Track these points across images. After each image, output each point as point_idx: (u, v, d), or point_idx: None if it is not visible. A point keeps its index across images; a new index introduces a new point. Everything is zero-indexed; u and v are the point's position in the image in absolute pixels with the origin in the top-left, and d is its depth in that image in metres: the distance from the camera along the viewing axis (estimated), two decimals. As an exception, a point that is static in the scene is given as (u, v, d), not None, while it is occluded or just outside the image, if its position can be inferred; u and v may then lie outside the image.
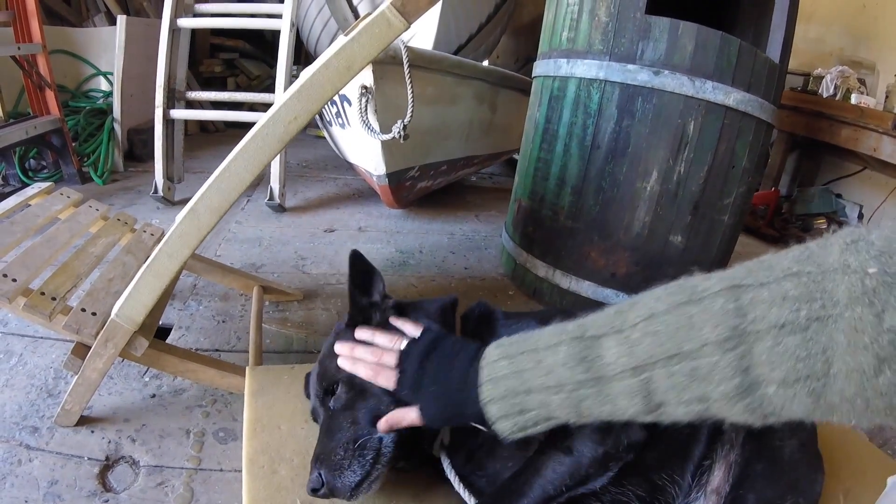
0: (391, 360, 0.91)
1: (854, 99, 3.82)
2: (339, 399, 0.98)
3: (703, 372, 0.60)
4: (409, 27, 1.30)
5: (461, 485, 0.97)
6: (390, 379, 0.90)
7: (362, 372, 0.94)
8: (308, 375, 1.17)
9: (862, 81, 4.09)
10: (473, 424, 0.87)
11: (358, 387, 0.97)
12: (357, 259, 1.09)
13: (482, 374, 0.79)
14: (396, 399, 0.93)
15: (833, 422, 0.56)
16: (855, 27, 4.44)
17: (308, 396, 1.15)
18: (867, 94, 3.95)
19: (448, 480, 0.99)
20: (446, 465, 0.99)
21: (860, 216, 4.20)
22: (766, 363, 0.56)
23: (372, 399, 0.96)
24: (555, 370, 0.72)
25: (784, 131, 4.31)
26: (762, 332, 0.56)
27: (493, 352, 0.81)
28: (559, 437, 0.87)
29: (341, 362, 0.97)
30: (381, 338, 0.96)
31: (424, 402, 0.87)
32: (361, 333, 0.99)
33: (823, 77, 4.10)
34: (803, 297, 0.54)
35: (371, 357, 0.94)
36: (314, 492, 0.90)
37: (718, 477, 0.92)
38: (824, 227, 4.02)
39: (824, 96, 4.05)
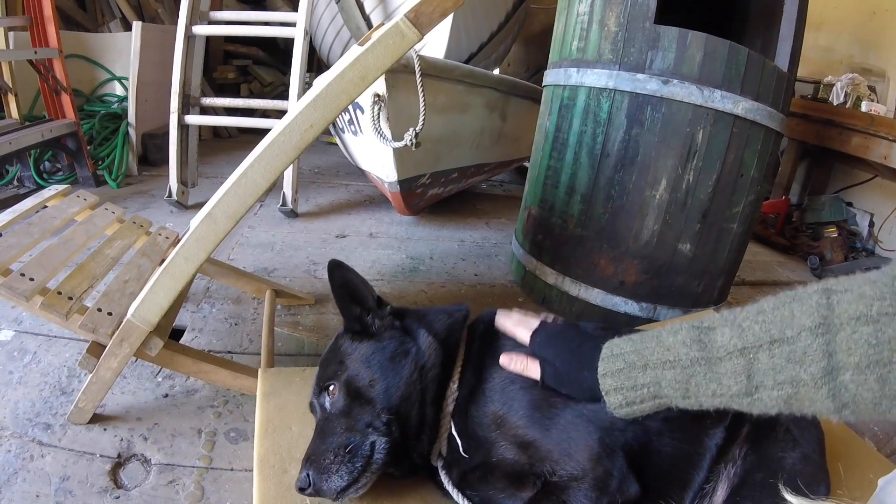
0: (535, 323, 1.03)
1: (864, 107, 3.82)
2: (336, 403, 1.00)
3: (798, 355, 0.72)
4: (422, 38, 1.33)
5: (460, 495, 0.99)
6: (526, 335, 1.02)
7: (509, 324, 1.06)
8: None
9: (872, 89, 4.08)
10: (454, 433, 0.98)
11: (354, 392, 0.99)
12: (337, 268, 1.07)
13: (604, 351, 0.91)
14: (391, 411, 0.97)
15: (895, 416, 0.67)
16: (864, 35, 4.43)
17: None
18: (877, 102, 3.95)
19: (441, 490, 1.03)
20: (443, 475, 1.01)
21: (871, 224, 4.19)
22: (845, 350, 0.68)
23: (367, 406, 0.98)
24: (673, 347, 0.83)
25: (794, 139, 4.31)
26: (843, 323, 0.68)
27: (616, 339, 0.92)
28: (556, 489, 0.91)
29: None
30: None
31: (548, 364, 0.97)
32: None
33: (833, 85, 4.10)
34: (875, 296, 0.67)
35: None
36: (301, 490, 0.92)
37: (721, 496, 0.93)
38: (835, 235, 4.00)
39: (834, 104, 4.04)
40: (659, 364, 0.83)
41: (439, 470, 1.02)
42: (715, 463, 0.95)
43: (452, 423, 1.01)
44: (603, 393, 0.88)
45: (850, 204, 4.32)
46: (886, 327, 0.65)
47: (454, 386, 1.03)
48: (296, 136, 1.29)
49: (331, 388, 1.02)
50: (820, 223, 4.25)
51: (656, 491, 0.93)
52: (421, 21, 1.31)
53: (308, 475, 0.92)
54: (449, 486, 1.00)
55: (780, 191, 4.48)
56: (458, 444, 1.00)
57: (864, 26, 4.42)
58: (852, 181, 4.35)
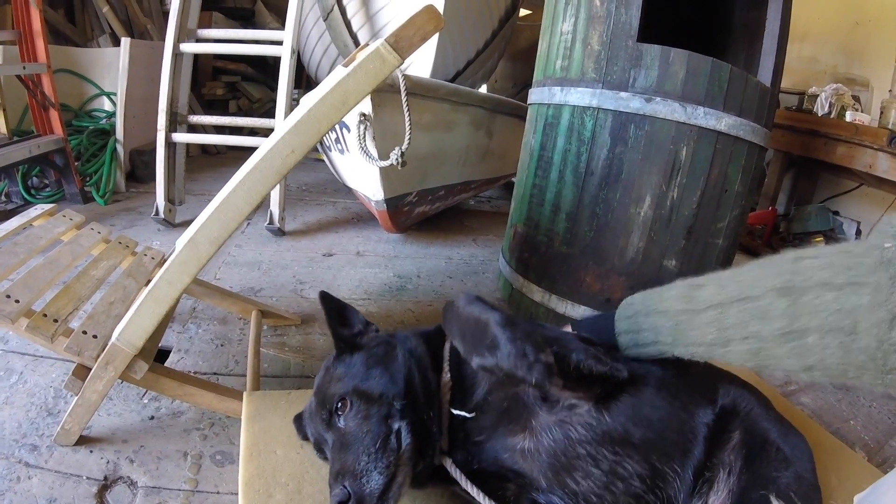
0: None
1: (849, 116, 3.86)
2: (349, 414, 1.00)
3: (761, 312, 0.78)
4: (402, 63, 1.35)
5: (467, 481, 0.99)
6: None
7: None
8: (298, 418, 1.21)
9: (856, 98, 4.12)
10: (454, 412, 1.02)
11: (362, 396, 1.00)
12: (327, 298, 1.18)
13: (623, 301, 1.06)
14: (401, 395, 1.00)
15: (866, 384, 0.72)
16: (848, 44, 4.48)
17: (304, 438, 1.18)
18: (861, 111, 4.00)
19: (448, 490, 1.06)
20: (449, 464, 1.02)
21: (858, 232, 4.23)
22: (808, 313, 0.72)
23: (378, 401, 0.99)
24: (668, 299, 0.96)
25: (780, 150, 4.35)
26: (809, 287, 0.73)
27: (635, 293, 1.05)
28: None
29: None
30: None
31: (577, 323, 1.13)
32: None
33: (818, 96, 4.14)
34: (844, 265, 0.71)
35: None
36: None
37: (720, 499, 0.94)
38: (822, 245, 4.04)
39: (819, 115, 4.09)
40: (655, 313, 0.97)
41: (446, 464, 1.03)
42: (711, 451, 0.97)
43: (453, 410, 1.04)
44: (616, 334, 1.04)
45: (836, 213, 4.36)
46: (850, 296, 0.69)
47: (447, 377, 1.08)
48: (277, 161, 1.31)
49: (339, 405, 1.02)
50: (807, 233, 4.29)
51: (656, 446, 0.95)
52: (401, 45, 1.33)
53: (344, 487, 0.89)
54: (457, 475, 1.01)
55: (767, 201, 4.52)
56: (459, 421, 1.03)
57: (848, 36, 4.47)
58: (838, 190, 4.39)
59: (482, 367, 0.88)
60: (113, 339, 1.38)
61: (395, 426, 0.96)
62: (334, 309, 1.18)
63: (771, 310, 0.77)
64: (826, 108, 4.07)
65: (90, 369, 1.42)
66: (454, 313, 0.97)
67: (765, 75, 2.36)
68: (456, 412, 1.03)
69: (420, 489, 1.09)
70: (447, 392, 1.05)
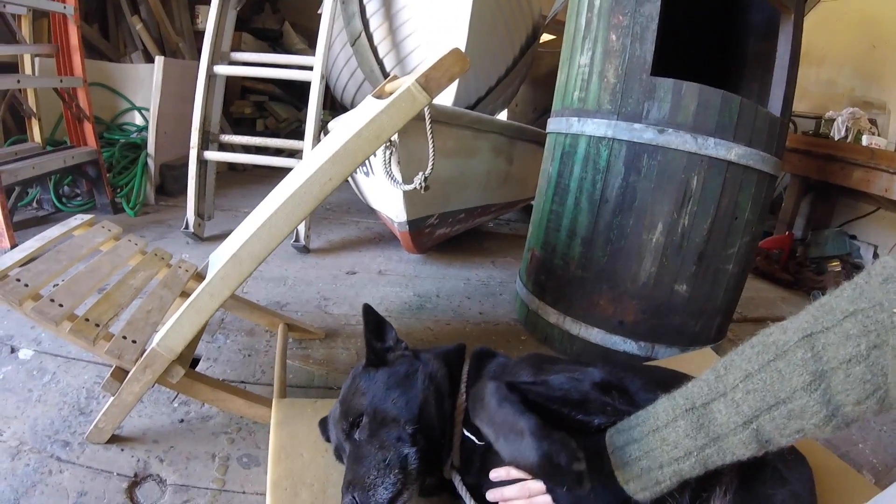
0: (538, 486, 1.00)
1: (865, 140, 3.89)
2: (364, 429, 1.09)
3: (797, 412, 0.78)
4: (431, 101, 1.47)
5: (471, 498, 1.07)
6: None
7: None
8: (323, 421, 1.30)
9: (873, 122, 4.13)
10: (466, 434, 1.07)
11: (380, 414, 1.09)
12: (370, 311, 1.27)
13: (614, 461, 0.96)
14: (415, 421, 1.07)
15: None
16: (865, 68, 4.51)
17: (327, 440, 1.27)
18: (879, 135, 4.01)
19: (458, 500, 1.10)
20: (457, 481, 1.10)
21: (875, 256, 4.21)
22: (843, 391, 0.73)
23: (394, 423, 1.08)
24: (680, 442, 0.91)
25: (797, 175, 4.35)
26: (835, 368, 0.74)
27: (617, 439, 0.97)
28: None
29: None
30: (516, 471, 1.02)
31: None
32: (496, 473, 1.04)
33: (834, 120, 4.15)
34: (861, 332, 0.72)
35: (519, 493, 1.02)
36: None
37: None
38: (838, 269, 4.02)
39: (836, 139, 4.10)
40: (673, 461, 0.91)
41: (454, 478, 1.11)
42: (708, 474, 0.97)
43: (465, 430, 1.11)
44: (631, 495, 0.95)
45: (853, 237, 4.36)
46: (878, 359, 0.71)
47: (463, 398, 1.15)
48: (316, 189, 1.42)
49: (357, 420, 1.11)
50: (823, 257, 4.28)
51: None
52: (430, 85, 1.44)
53: (354, 497, 0.99)
54: (463, 492, 1.08)
55: (784, 226, 4.53)
56: (471, 445, 1.09)
57: (865, 59, 4.50)
58: (856, 214, 4.40)
59: (517, 465, 0.97)
60: (153, 344, 1.46)
61: (405, 449, 1.04)
62: (373, 322, 1.27)
63: (807, 407, 0.77)
64: (843, 133, 4.09)
65: (128, 372, 1.49)
66: (486, 411, 1.00)
67: (775, 105, 2.41)
68: (467, 434, 1.10)
69: (429, 498, 1.17)
70: (462, 412, 1.13)
